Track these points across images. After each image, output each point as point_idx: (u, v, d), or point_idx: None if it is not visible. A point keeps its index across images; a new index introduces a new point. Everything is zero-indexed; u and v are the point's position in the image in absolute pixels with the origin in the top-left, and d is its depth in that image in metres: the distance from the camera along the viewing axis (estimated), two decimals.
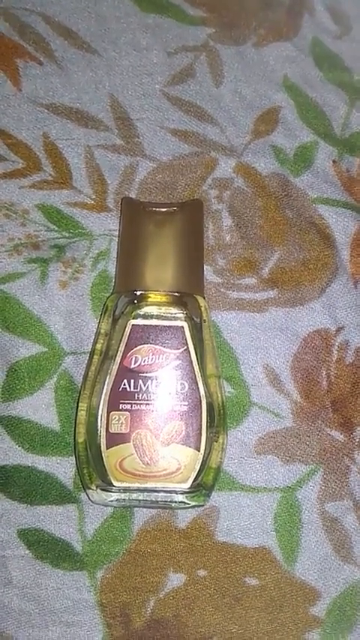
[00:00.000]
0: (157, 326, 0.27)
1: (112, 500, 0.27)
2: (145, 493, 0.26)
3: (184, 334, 0.27)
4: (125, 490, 0.26)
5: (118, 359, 0.27)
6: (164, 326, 0.27)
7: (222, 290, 0.30)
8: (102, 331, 0.28)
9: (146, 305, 0.27)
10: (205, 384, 0.27)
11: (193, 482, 0.26)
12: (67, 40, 0.32)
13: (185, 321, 0.27)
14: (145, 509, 0.29)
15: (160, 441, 0.26)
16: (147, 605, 0.28)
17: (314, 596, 0.29)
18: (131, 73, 0.32)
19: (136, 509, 0.29)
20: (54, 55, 0.32)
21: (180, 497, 0.27)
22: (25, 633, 0.28)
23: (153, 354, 0.27)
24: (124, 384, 0.27)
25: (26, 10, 0.32)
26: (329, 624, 0.28)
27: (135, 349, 0.27)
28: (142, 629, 0.28)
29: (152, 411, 0.26)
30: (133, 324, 0.27)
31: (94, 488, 0.27)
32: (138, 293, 0.27)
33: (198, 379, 0.27)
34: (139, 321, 0.27)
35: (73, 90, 0.32)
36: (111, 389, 0.27)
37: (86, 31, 0.32)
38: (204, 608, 0.28)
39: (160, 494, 0.26)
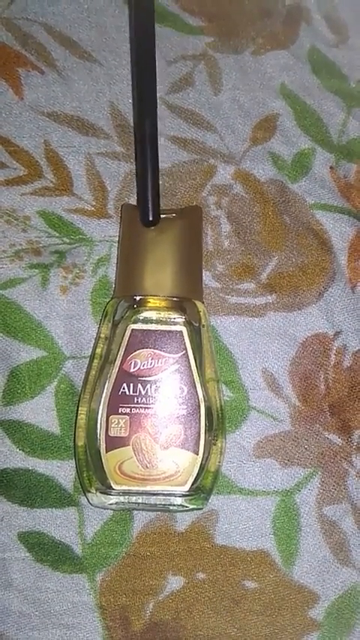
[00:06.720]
0: (156, 330, 0.27)
1: (111, 504, 0.27)
2: (144, 496, 0.27)
3: (183, 339, 0.27)
4: (124, 493, 0.27)
5: (117, 363, 0.27)
6: (163, 330, 0.27)
7: (221, 295, 0.31)
8: (102, 336, 0.28)
9: (145, 310, 0.28)
10: (204, 388, 0.27)
11: (192, 485, 0.27)
12: (68, 50, 0.32)
13: (184, 325, 0.27)
14: (144, 513, 0.29)
15: (159, 445, 0.27)
16: (146, 608, 0.28)
17: (313, 599, 0.29)
18: (131, 82, 0.32)
19: (135, 512, 0.29)
20: (55, 64, 0.32)
21: (179, 501, 0.27)
22: (25, 636, 0.28)
23: (152, 359, 0.27)
24: (124, 388, 0.27)
25: (28, 20, 0.32)
26: (327, 627, 0.28)
27: (134, 353, 0.27)
28: (141, 631, 0.28)
29: (151, 414, 0.27)
30: (132, 329, 0.27)
31: (94, 491, 0.27)
32: (137, 298, 0.28)
33: (197, 383, 0.27)
34: (139, 326, 0.27)
35: (74, 98, 0.32)
36: (110, 393, 0.27)
37: (87, 40, 0.33)
38: (203, 611, 0.28)
39: (158, 497, 0.27)
